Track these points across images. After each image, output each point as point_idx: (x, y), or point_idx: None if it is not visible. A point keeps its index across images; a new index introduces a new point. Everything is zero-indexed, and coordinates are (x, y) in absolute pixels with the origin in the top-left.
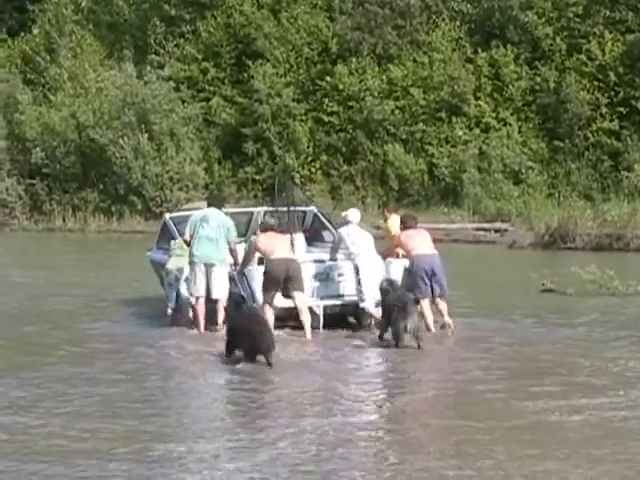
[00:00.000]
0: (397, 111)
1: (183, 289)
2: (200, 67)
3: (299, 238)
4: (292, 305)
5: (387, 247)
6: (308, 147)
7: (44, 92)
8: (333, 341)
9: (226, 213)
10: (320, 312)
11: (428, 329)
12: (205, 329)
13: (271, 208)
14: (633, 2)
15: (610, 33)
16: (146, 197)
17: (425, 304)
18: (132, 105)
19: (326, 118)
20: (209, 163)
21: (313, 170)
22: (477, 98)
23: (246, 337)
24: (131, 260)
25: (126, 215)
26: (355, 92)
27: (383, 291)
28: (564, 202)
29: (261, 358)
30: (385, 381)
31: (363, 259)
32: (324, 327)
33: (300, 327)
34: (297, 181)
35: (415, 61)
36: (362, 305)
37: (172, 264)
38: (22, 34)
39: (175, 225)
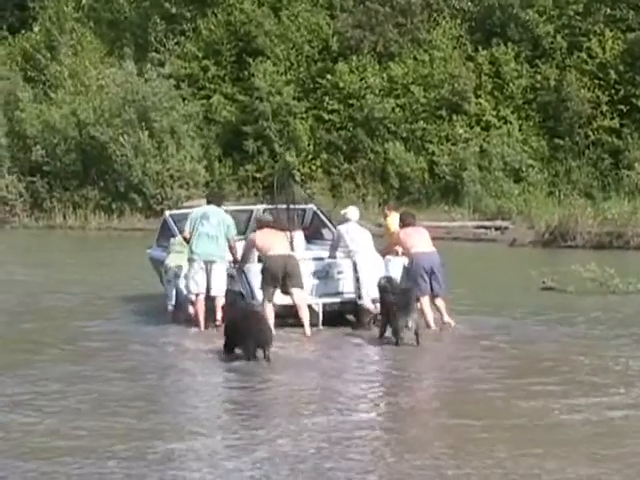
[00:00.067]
0: (398, 109)
1: (182, 286)
2: (201, 65)
3: (298, 236)
4: (291, 302)
5: (386, 245)
6: (309, 145)
7: (45, 90)
8: (332, 339)
9: (225, 211)
10: (319, 310)
11: (428, 326)
12: (205, 327)
13: (270, 206)
14: (634, 0)
15: (611, 31)
16: (146, 195)
17: (425, 301)
18: (132, 103)
19: (327, 116)
20: (209, 161)
21: (314, 168)
22: (478, 96)
23: (244, 334)
24: (131, 258)
25: (126, 213)
26: (356, 90)
27: (382, 289)
28: (564, 200)
29: (260, 354)
30: (384, 379)
31: (362, 256)
32: (323, 325)
33: (299, 324)
34: (297, 179)
35: (416, 59)
36: (360, 302)
37: (171, 260)
38: (23, 31)
39: (175, 223)
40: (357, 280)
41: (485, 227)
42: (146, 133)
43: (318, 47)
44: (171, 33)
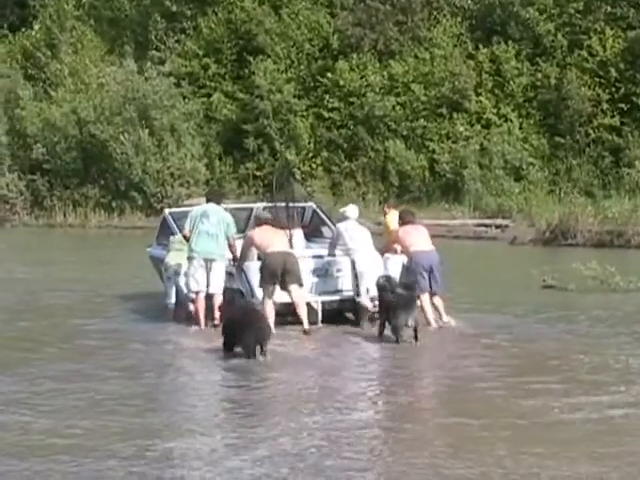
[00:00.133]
0: (398, 107)
1: (182, 284)
2: (201, 63)
3: (298, 234)
4: (290, 300)
5: (385, 243)
6: (309, 143)
7: (45, 88)
8: (331, 337)
9: (225, 209)
10: (319, 308)
11: (428, 324)
12: (205, 325)
13: (270, 204)
14: None
15: (611, 29)
16: (147, 193)
17: (425, 299)
18: (133, 101)
19: (327, 114)
20: (210, 159)
21: (314, 166)
22: (478, 94)
23: (244, 331)
24: (131, 256)
25: (127, 211)
26: (356, 88)
27: (380, 288)
28: (565, 198)
29: (257, 350)
30: (384, 377)
31: (360, 254)
32: (322, 323)
33: (298, 322)
34: (298, 177)
35: (416, 57)
36: (358, 299)
37: (171, 258)
38: (23, 29)
39: (175, 221)
40: (355, 277)
41: (485, 225)
42: (146, 131)
43: (318, 45)
44: (171, 31)
